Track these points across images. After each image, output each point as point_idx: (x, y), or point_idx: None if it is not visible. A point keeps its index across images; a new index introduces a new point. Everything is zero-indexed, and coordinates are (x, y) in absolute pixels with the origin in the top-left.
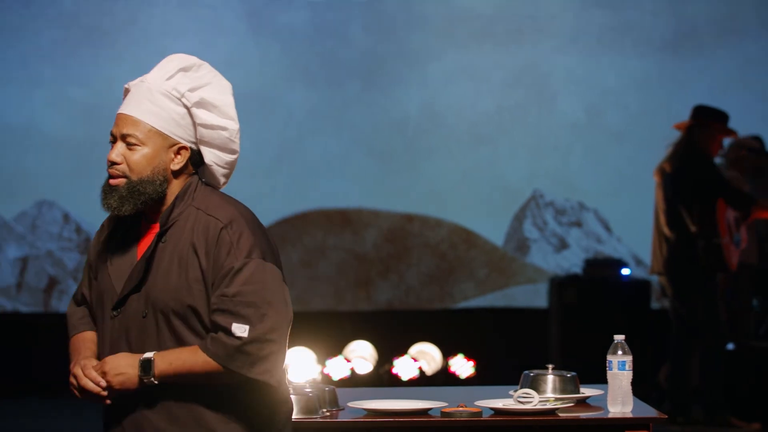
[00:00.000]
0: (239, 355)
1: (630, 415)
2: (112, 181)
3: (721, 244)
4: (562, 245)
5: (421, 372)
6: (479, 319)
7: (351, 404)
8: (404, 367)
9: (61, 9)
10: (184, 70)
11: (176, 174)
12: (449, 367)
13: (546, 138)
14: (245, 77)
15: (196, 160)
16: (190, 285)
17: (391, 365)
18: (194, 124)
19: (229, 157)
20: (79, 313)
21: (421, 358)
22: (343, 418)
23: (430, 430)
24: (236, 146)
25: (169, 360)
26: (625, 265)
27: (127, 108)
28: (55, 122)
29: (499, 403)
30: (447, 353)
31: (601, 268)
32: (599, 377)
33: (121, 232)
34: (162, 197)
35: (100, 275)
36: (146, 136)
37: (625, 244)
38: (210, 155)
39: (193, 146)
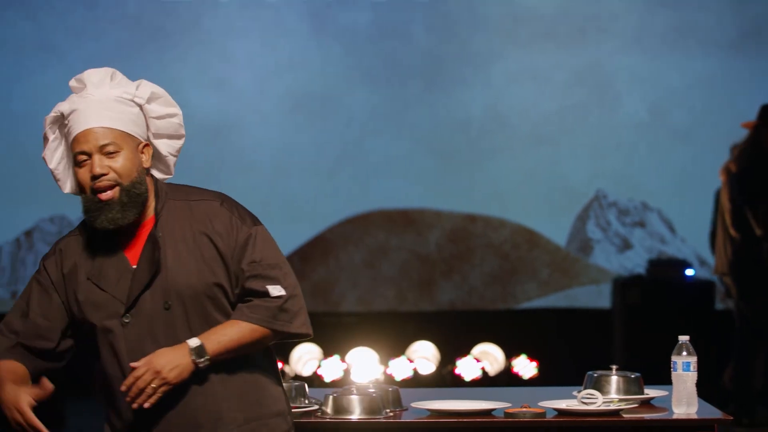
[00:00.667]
0: (281, 313)
1: (695, 417)
2: (104, 195)
3: None
4: (626, 245)
5: (484, 372)
6: (542, 320)
7: (414, 404)
8: (467, 368)
9: (124, 11)
10: (111, 78)
11: (147, 172)
12: (512, 367)
13: (609, 138)
14: (307, 78)
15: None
16: (210, 264)
17: (453, 366)
18: (146, 120)
19: (179, 143)
20: (6, 343)
21: (483, 358)
22: (406, 418)
23: (494, 430)
24: (183, 130)
25: (216, 339)
26: (689, 266)
27: (91, 122)
28: None
29: (563, 404)
30: (510, 354)
31: (665, 268)
32: (663, 378)
33: (90, 250)
34: (147, 196)
35: (87, 295)
36: (122, 140)
37: (689, 244)
38: (164, 146)
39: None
